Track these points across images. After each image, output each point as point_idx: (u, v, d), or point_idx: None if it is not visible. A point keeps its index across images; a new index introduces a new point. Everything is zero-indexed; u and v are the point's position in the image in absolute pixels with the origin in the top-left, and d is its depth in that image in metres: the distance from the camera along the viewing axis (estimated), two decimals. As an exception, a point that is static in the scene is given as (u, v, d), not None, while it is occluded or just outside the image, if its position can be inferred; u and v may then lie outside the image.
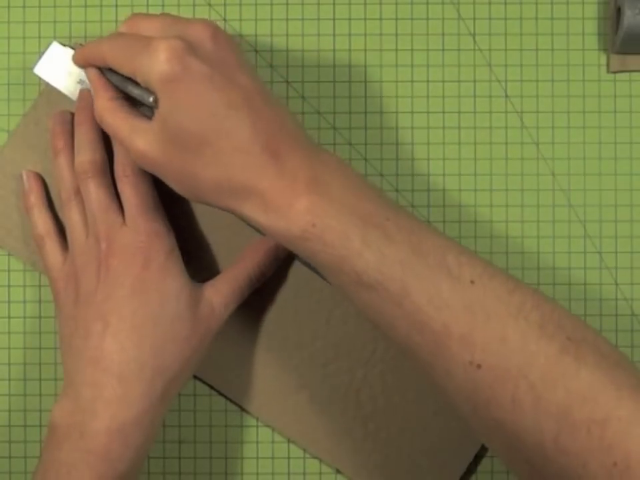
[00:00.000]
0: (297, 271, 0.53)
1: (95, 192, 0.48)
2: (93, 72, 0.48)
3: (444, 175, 0.54)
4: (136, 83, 0.46)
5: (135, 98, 0.47)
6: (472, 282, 0.41)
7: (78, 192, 0.49)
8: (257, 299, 0.53)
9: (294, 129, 0.44)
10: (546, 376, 0.39)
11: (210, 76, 0.43)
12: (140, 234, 0.47)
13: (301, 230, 0.42)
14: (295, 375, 0.53)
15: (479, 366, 0.40)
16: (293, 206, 0.42)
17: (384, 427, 0.53)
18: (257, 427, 0.54)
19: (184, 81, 0.43)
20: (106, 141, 0.50)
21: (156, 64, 0.43)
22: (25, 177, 0.52)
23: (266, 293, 0.53)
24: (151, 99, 0.44)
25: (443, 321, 0.41)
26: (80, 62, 0.49)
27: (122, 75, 0.47)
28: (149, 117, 0.46)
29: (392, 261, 0.41)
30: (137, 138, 0.45)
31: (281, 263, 0.53)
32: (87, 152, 0.49)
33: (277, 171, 0.43)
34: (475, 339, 0.40)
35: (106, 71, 0.48)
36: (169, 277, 0.48)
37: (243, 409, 0.54)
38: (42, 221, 0.51)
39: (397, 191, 0.54)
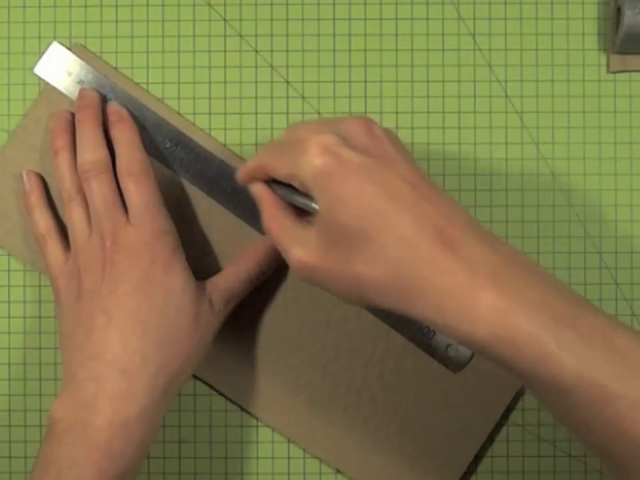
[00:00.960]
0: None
1: (99, 190, 0.48)
2: (258, 185, 0.46)
3: (444, 174, 0.54)
4: (299, 191, 0.44)
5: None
6: None
7: (79, 191, 0.49)
8: (256, 299, 0.53)
9: (464, 216, 0.41)
10: None
11: (365, 166, 0.40)
12: (145, 232, 0.47)
13: (487, 333, 0.38)
14: (294, 374, 0.53)
15: None
16: (475, 305, 0.38)
17: (384, 427, 0.53)
18: (257, 426, 0.54)
19: (337, 174, 0.40)
20: (107, 141, 0.50)
21: (308, 161, 0.41)
22: (25, 176, 0.52)
23: (266, 293, 0.53)
24: (314, 205, 0.42)
25: None
26: (245, 179, 0.47)
27: (284, 185, 0.44)
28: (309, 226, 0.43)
29: (591, 364, 0.37)
30: (296, 246, 0.42)
31: (281, 262, 0.53)
32: (89, 151, 0.49)
33: (453, 264, 0.38)
34: None
35: (271, 183, 0.46)
36: (174, 274, 0.48)
37: (242, 409, 0.54)
38: (43, 220, 0.51)
39: (397, 191, 0.54)
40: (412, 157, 0.42)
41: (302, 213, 0.44)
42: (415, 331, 0.53)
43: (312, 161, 0.40)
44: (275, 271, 0.53)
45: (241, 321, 0.53)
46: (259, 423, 0.54)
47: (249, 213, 0.53)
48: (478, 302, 0.38)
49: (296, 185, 0.42)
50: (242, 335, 0.53)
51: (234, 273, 0.51)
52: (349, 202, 0.40)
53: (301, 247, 0.42)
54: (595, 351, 0.37)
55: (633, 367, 0.37)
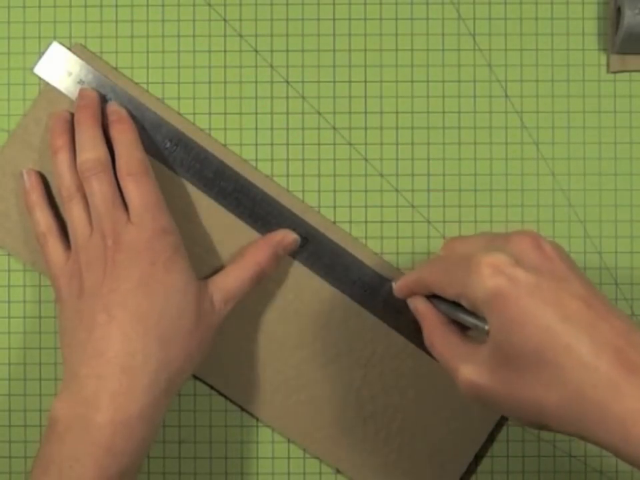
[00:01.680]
0: (297, 271, 0.53)
1: (99, 189, 0.48)
2: (420, 299, 0.48)
3: (444, 174, 0.54)
4: (465, 309, 0.44)
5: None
6: None
7: (79, 189, 0.49)
8: (257, 299, 0.53)
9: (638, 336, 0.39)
10: None
11: (539, 287, 0.40)
12: (146, 231, 0.47)
13: None
14: (295, 374, 0.53)
15: None
16: None
17: (384, 427, 0.53)
18: (257, 427, 0.54)
19: (511, 295, 0.40)
20: (107, 141, 0.50)
21: (480, 281, 0.40)
22: (25, 175, 0.52)
23: (266, 293, 0.53)
24: (486, 327, 0.41)
25: None
26: (403, 293, 0.49)
27: (449, 302, 0.45)
28: (479, 344, 0.43)
29: None
30: (466, 365, 0.42)
31: (281, 262, 0.53)
32: (89, 150, 0.49)
33: (634, 388, 0.37)
34: None
35: (433, 299, 0.47)
36: (175, 273, 0.48)
37: (243, 409, 0.54)
38: (44, 219, 0.51)
39: (397, 191, 0.54)
40: (582, 273, 0.42)
41: (464, 330, 0.45)
42: (415, 331, 0.53)
43: (484, 282, 0.40)
44: (274, 271, 0.53)
45: (241, 320, 0.53)
46: (259, 423, 0.54)
47: (249, 213, 0.53)
48: None
49: (464, 303, 0.42)
50: (242, 334, 0.53)
51: (234, 273, 0.51)
52: (524, 324, 0.39)
53: (470, 366, 0.42)
54: None
55: None
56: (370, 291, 0.53)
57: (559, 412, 0.39)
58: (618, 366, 0.37)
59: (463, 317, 0.44)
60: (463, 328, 0.46)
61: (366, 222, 0.54)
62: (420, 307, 0.48)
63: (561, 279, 0.41)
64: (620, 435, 0.37)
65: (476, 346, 0.43)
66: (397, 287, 0.50)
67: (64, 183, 0.50)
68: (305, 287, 0.53)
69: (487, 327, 0.41)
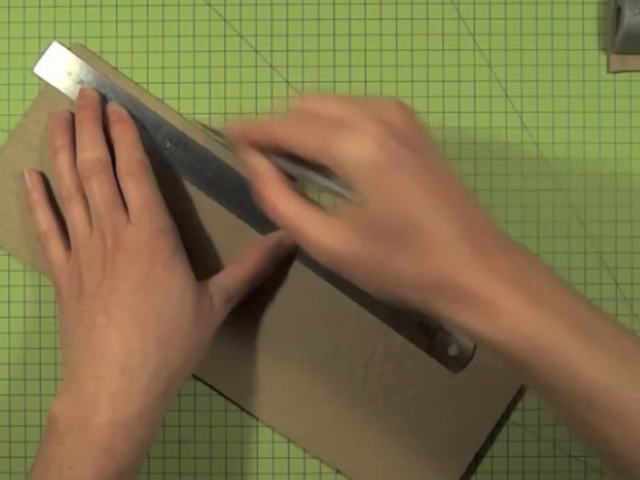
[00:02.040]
0: (297, 271, 0.53)
1: (99, 189, 0.48)
2: (258, 155, 0.43)
3: (444, 174, 0.54)
4: (314, 170, 0.42)
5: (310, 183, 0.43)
6: None
7: (79, 189, 0.49)
8: (257, 299, 0.53)
9: (492, 225, 0.41)
10: None
11: (413, 166, 0.40)
12: (145, 231, 0.47)
13: (513, 337, 0.39)
14: (294, 374, 0.53)
15: None
16: (505, 310, 0.39)
17: (384, 427, 0.53)
18: (257, 427, 0.54)
19: (388, 170, 0.40)
20: (107, 141, 0.50)
21: (359, 150, 0.39)
22: (27, 175, 0.52)
23: (266, 293, 0.53)
24: (354, 196, 0.40)
25: None
26: (240, 137, 0.43)
27: (298, 162, 0.42)
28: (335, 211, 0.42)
29: (621, 380, 0.38)
30: (323, 232, 0.41)
31: (281, 262, 0.53)
32: (90, 150, 0.49)
33: (486, 270, 0.39)
34: None
35: (275, 158, 0.42)
36: (174, 273, 0.48)
37: (242, 409, 0.54)
38: (45, 219, 0.51)
39: (397, 190, 0.54)
40: (439, 151, 0.42)
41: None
42: (415, 331, 0.53)
43: (364, 152, 0.39)
44: (274, 271, 0.53)
45: (241, 320, 0.53)
46: (259, 423, 0.54)
47: (249, 212, 0.53)
48: (507, 307, 0.38)
49: (330, 166, 0.40)
50: (242, 334, 0.53)
51: (234, 273, 0.51)
52: (396, 199, 0.39)
53: (329, 234, 0.41)
54: (625, 366, 0.38)
55: None
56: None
57: (414, 283, 0.40)
58: (472, 247, 0.39)
59: (321, 180, 0.42)
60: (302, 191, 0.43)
61: None
62: (260, 163, 0.43)
63: (429, 158, 0.41)
64: (467, 309, 0.39)
65: (332, 213, 0.41)
66: (236, 128, 0.43)
67: (64, 182, 0.50)
68: (305, 287, 0.53)
69: (353, 196, 0.40)
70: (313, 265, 0.53)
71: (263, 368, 0.53)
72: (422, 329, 0.53)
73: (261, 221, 0.53)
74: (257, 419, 0.54)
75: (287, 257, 0.53)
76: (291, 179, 0.43)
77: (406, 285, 0.40)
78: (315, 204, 0.42)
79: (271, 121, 0.43)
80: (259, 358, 0.53)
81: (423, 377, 0.53)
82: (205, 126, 0.51)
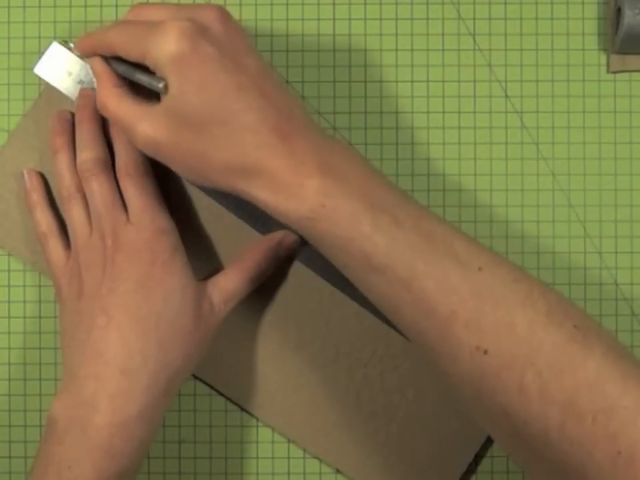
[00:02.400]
0: (297, 271, 0.53)
1: (98, 189, 0.48)
2: (97, 60, 0.48)
3: (444, 174, 0.54)
4: (143, 70, 0.46)
5: (140, 86, 0.47)
6: (480, 269, 0.42)
7: (79, 190, 0.49)
8: (257, 299, 0.53)
9: (302, 114, 0.45)
10: (553, 364, 0.39)
11: (219, 57, 0.44)
12: (145, 231, 0.48)
13: (309, 210, 0.43)
14: (295, 374, 0.53)
15: (485, 352, 0.40)
16: (302, 186, 0.43)
17: (384, 427, 0.53)
18: (257, 427, 0.54)
19: (194, 61, 0.43)
20: (107, 140, 0.51)
21: (166, 44, 0.43)
22: (26, 175, 0.52)
23: (266, 293, 0.53)
24: (161, 85, 0.44)
25: (450, 306, 0.41)
26: (83, 50, 0.49)
27: (128, 63, 0.47)
28: (154, 103, 0.46)
29: (401, 246, 0.42)
30: (143, 122, 0.45)
31: (281, 262, 0.53)
32: (89, 150, 0.49)
33: (287, 152, 0.43)
34: (483, 325, 0.41)
35: (111, 60, 0.48)
36: (174, 273, 0.48)
37: (242, 409, 0.54)
38: (45, 219, 0.51)
39: (396, 190, 0.54)
40: (259, 55, 0.46)
41: (139, 93, 0.47)
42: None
43: (170, 45, 0.43)
44: (274, 271, 0.53)
45: (241, 320, 0.53)
46: (259, 423, 0.54)
47: (249, 213, 0.53)
48: (304, 184, 0.42)
49: (147, 63, 0.45)
50: (242, 334, 0.53)
51: (234, 273, 0.51)
52: (202, 88, 0.43)
53: (147, 123, 0.45)
54: (407, 235, 0.42)
55: (440, 252, 0.41)
56: None
57: (222, 168, 0.44)
58: (276, 133, 0.43)
59: (140, 76, 0.46)
60: (137, 93, 0.47)
61: None
62: (98, 67, 0.48)
63: (240, 54, 0.44)
64: (269, 187, 0.43)
65: (151, 105, 0.45)
66: (79, 42, 0.49)
67: (63, 183, 0.50)
68: (305, 287, 0.53)
69: (160, 85, 0.44)
70: (312, 264, 0.53)
71: (263, 368, 0.53)
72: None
73: (261, 221, 0.53)
74: (257, 419, 0.54)
75: (287, 257, 0.53)
76: (124, 79, 0.48)
77: (214, 171, 0.44)
78: (141, 99, 0.46)
79: (104, 29, 0.47)
80: (259, 358, 0.53)
81: (423, 377, 0.53)
82: (69, 47, 0.52)
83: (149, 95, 0.46)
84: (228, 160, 0.43)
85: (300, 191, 0.43)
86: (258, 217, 0.53)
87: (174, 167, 0.45)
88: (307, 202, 0.42)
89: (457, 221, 0.54)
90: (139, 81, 0.46)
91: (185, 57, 0.43)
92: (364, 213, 0.42)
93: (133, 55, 0.45)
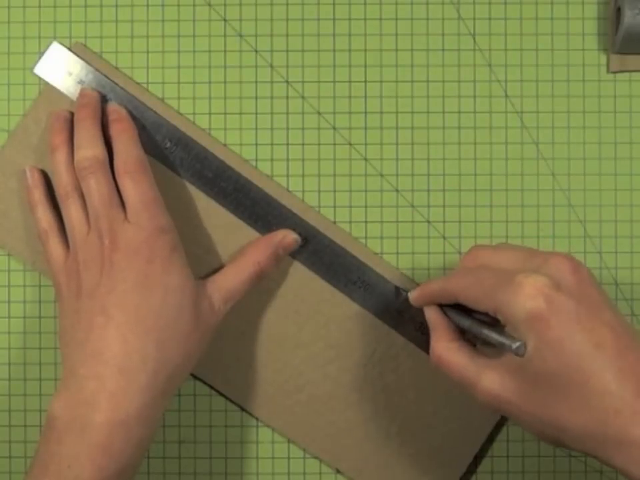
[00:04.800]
0: (297, 271, 0.53)
1: (96, 187, 0.48)
2: (434, 310, 0.48)
3: (444, 174, 0.54)
4: (489, 326, 0.45)
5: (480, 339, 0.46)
6: None
7: (76, 188, 0.49)
8: (256, 299, 0.53)
9: None
10: None
11: (577, 313, 0.42)
12: (143, 230, 0.47)
13: None
14: (294, 375, 0.53)
15: None
16: None
17: (384, 427, 0.53)
18: (257, 427, 0.54)
19: (552, 319, 0.41)
20: (106, 141, 0.50)
21: (522, 301, 0.42)
22: (28, 172, 0.52)
23: (266, 293, 0.53)
24: (516, 346, 0.42)
25: None
26: (422, 302, 0.49)
27: (471, 318, 0.46)
28: (495, 357, 0.45)
29: None
30: (487, 377, 0.44)
31: (281, 262, 0.53)
32: (88, 148, 0.49)
33: None
34: None
35: (450, 311, 0.48)
36: (173, 272, 0.47)
37: (242, 409, 0.54)
38: (45, 217, 0.51)
39: (397, 191, 0.54)
40: (611, 300, 0.43)
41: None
42: (415, 331, 0.53)
43: (526, 303, 0.41)
44: (274, 271, 0.53)
45: (241, 320, 0.53)
46: (259, 423, 0.54)
47: (249, 212, 0.53)
48: None
49: (501, 318, 0.43)
50: (242, 334, 0.53)
51: (234, 272, 0.50)
52: (560, 348, 0.41)
53: (492, 379, 0.43)
54: None
55: None
56: (370, 291, 0.53)
57: (581, 434, 0.41)
58: (639, 397, 0.40)
59: (489, 334, 0.44)
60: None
61: (366, 222, 0.54)
62: (434, 317, 0.48)
63: (594, 306, 0.42)
64: (638, 461, 0.39)
65: (495, 359, 0.44)
66: (416, 295, 0.49)
67: (61, 181, 0.49)
68: (305, 287, 0.53)
69: (515, 347, 0.41)
70: (313, 264, 0.53)
71: (263, 368, 0.53)
72: (422, 328, 0.52)
73: (261, 221, 0.53)
74: (257, 419, 0.54)
75: (287, 256, 0.53)
76: (462, 330, 0.47)
77: (571, 435, 0.41)
78: (479, 352, 0.46)
79: (447, 279, 0.47)
80: (259, 358, 0.53)
81: (423, 377, 0.53)
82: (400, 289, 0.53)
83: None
84: (587, 426, 0.40)
85: None
86: (258, 217, 0.53)
87: (521, 425, 0.44)
88: None
89: (456, 221, 0.54)
90: (487, 338, 0.44)
91: (542, 316, 0.41)
92: None
93: (482, 306, 0.44)
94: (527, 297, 0.41)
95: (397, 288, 0.53)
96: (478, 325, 0.45)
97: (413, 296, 0.50)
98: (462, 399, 0.52)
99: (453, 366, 0.46)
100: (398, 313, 0.53)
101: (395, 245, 0.54)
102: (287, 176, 0.53)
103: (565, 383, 0.41)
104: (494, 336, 0.44)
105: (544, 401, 0.41)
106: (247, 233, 0.53)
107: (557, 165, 0.54)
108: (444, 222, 0.54)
